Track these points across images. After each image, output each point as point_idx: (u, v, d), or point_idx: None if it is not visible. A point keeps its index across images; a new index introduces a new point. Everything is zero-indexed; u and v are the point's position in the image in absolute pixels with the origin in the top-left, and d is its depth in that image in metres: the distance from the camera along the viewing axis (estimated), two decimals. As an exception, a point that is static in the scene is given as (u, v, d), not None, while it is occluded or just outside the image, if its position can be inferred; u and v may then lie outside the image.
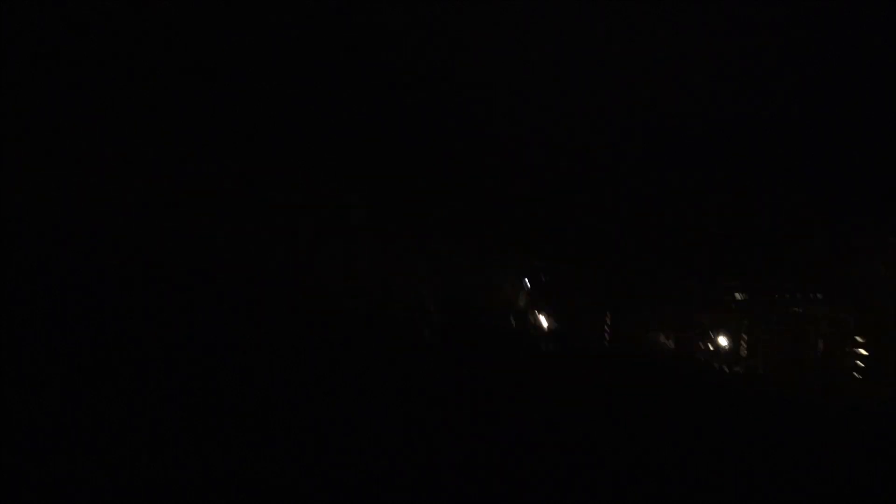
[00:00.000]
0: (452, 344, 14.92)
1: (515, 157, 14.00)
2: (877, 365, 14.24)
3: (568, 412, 11.57)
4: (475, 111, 14.38)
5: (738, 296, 15.54)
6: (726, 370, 15.30)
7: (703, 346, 15.54)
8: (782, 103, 13.53)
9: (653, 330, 15.61)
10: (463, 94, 14.19)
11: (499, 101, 14.34)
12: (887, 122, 13.02)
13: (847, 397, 13.97)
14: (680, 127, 13.88)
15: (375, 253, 15.03)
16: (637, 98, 14.19)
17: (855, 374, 14.43)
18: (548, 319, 15.72)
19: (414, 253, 14.86)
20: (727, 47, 13.19)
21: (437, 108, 14.17)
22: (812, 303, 14.89)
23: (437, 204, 14.73)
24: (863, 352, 14.49)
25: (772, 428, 10.97)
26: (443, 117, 14.26)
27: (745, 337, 15.28)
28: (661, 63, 14.07)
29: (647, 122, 13.94)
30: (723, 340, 15.48)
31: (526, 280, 15.39)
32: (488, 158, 14.13)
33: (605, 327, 15.37)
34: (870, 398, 13.74)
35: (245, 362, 10.73)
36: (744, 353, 15.35)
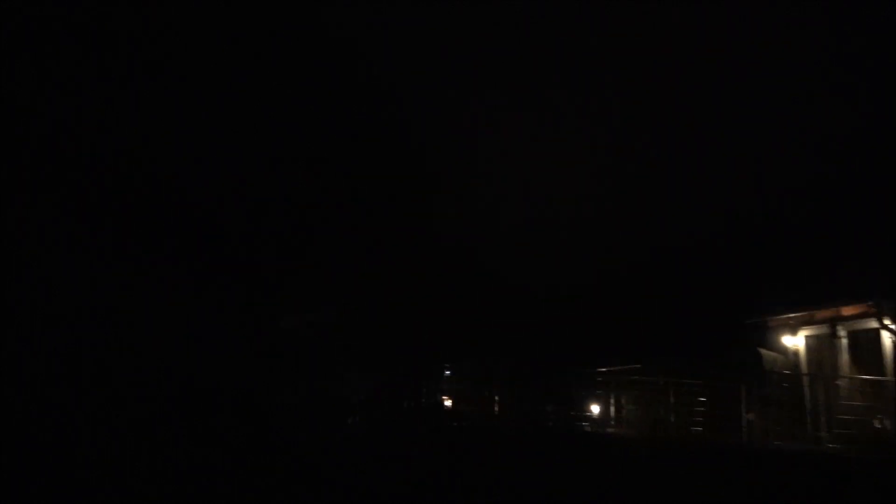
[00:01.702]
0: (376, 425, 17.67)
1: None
2: (713, 419, 17.96)
3: (464, 467, 14.52)
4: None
5: (604, 370, 18.89)
6: (599, 431, 18.66)
7: (579, 414, 18.87)
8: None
9: (537, 402, 18.76)
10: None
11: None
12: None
13: (693, 443, 17.58)
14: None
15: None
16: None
17: (697, 427, 18.10)
18: (450, 399, 18.76)
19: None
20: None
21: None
22: (664, 375, 18.36)
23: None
24: (702, 409, 18.18)
25: (640, 474, 14.22)
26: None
27: (611, 404, 18.68)
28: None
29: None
30: (595, 407, 18.84)
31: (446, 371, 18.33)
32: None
33: (494, 403, 18.49)
34: (710, 442, 17.40)
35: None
36: (612, 416, 18.77)
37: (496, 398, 18.54)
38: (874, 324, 14.30)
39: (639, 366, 18.73)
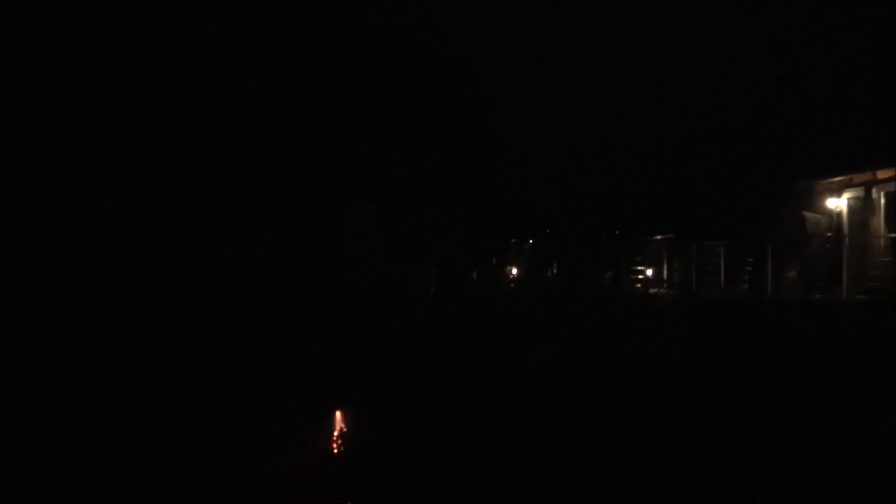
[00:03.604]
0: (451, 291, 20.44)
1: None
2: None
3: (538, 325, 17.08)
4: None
5: (658, 237, 20.61)
6: (652, 291, 20.69)
7: (634, 276, 20.91)
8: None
9: (597, 268, 20.88)
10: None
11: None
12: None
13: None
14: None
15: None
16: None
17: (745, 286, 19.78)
18: (517, 269, 21.25)
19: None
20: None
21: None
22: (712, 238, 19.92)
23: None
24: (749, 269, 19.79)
25: (680, 322, 16.42)
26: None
27: (664, 268, 20.54)
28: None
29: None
30: (649, 271, 20.78)
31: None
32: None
33: (552, 269, 20.88)
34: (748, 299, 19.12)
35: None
36: (664, 278, 20.69)
37: (555, 265, 20.86)
38: (907, 186, 15.29)
39: (691, 231, 20.29)
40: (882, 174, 15.92)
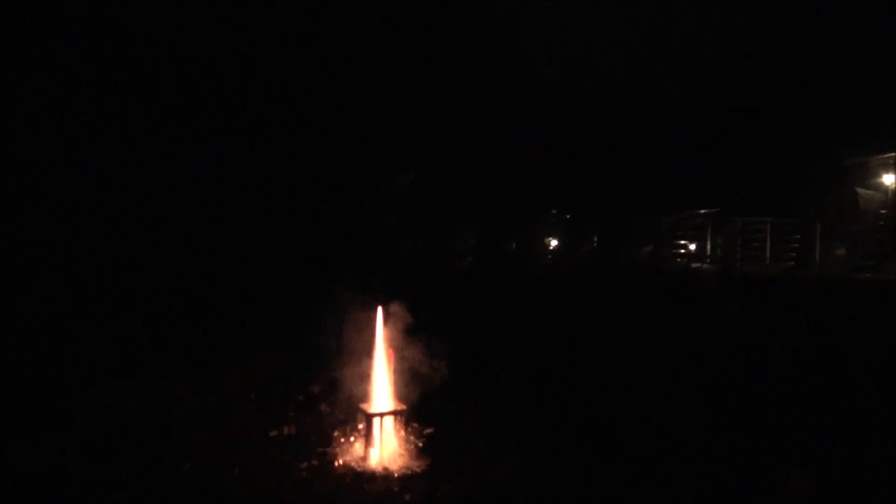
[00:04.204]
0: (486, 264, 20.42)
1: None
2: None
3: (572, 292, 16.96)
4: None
5: (702, 211, 20.17)
6: (694, 266, 20.35)
7: (676, 251, 20.54)
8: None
9: (637, 242, 20.59)
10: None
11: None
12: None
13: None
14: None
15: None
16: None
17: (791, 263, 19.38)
18: (555, 240, 21.11)
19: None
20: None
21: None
22: (760, 214, 19.46)
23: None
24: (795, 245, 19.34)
25: (719, 296, 16.18)
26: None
27: (708, 243, 20.15)
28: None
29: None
30: (692, 246, 20.39)
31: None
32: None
33: (594, 243, 20.62)
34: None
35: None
36: (707, 253, 20.30)
37: (594, 238, 20.65)
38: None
39: (737, 206, 19.82)
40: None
